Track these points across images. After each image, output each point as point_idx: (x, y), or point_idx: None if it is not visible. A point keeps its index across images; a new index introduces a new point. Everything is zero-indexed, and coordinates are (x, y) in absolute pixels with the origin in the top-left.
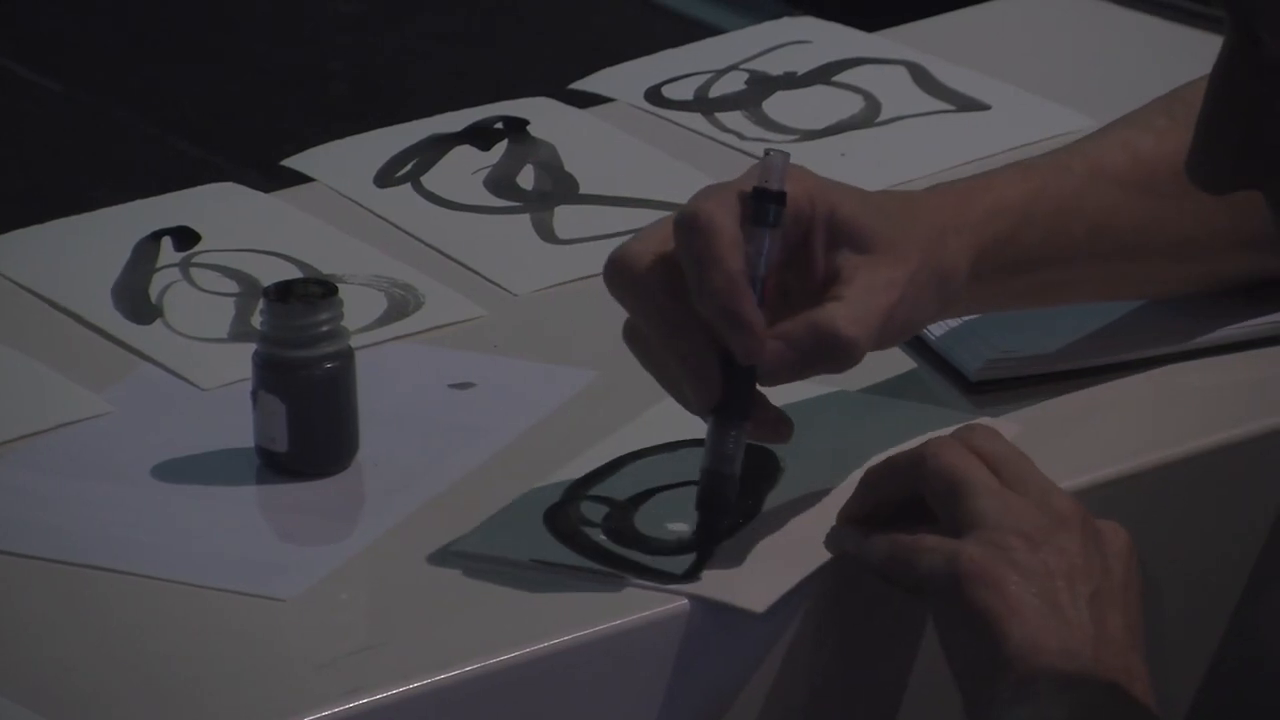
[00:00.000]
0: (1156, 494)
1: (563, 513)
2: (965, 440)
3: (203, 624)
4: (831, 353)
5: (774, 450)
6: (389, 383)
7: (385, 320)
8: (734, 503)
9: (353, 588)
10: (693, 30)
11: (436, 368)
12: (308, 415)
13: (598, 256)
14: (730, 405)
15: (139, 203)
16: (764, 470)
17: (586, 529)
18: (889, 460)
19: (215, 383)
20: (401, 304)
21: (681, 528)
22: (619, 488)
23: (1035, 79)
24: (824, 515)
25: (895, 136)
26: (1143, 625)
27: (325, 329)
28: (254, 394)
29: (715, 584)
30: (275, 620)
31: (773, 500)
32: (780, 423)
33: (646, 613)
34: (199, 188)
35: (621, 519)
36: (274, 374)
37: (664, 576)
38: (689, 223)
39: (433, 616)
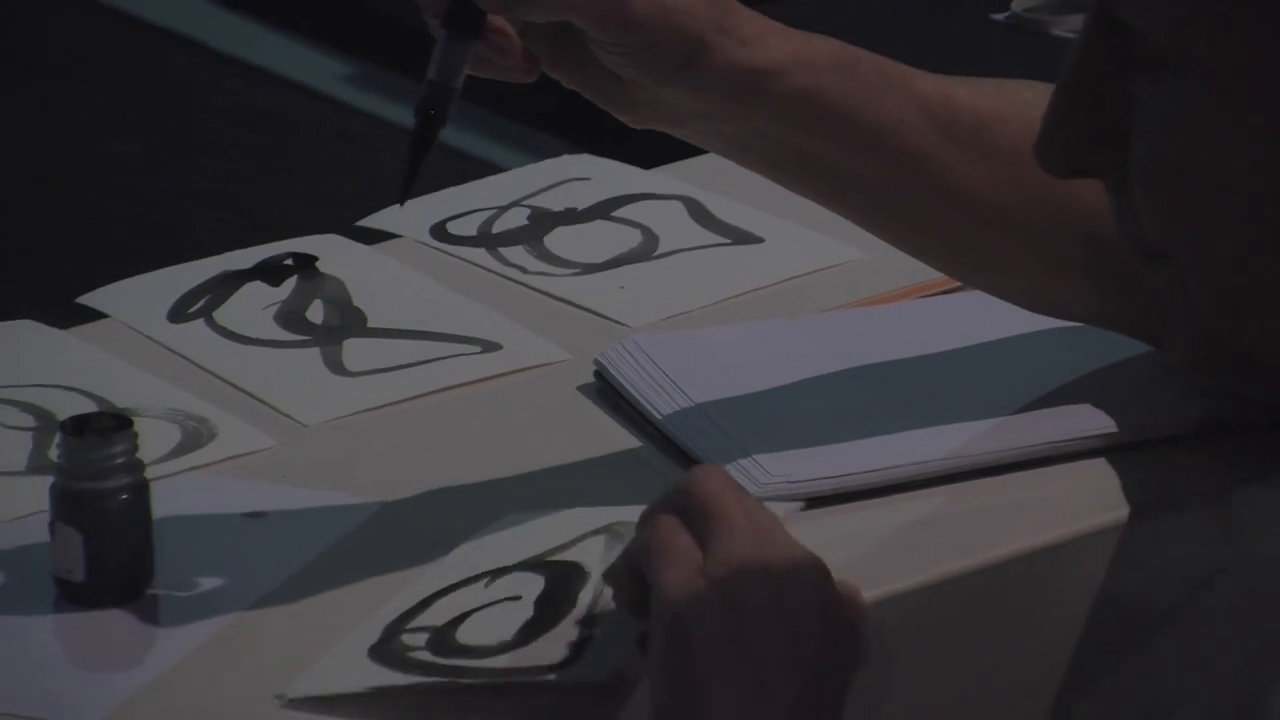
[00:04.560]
0: (937, 610)
1: (387, 647)
2: (724, 477)
3: None
4: None
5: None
6: (184, 512)
7: (180, 451)
8: (448, 116)
9: (147, 716)
10: (475, 168)
11: (230, 497)
12: (104, 545)
13: (386, 388)
14: (457, 17)
15: None
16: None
17: (413, 654)
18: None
19: (13, 514)
20: (195, 436)
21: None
22: (435, 617)
23: (806, 213)
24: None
25: (673, 269)
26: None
27: (120, 461)
28: (51, 525)
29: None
30: None
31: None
32: (523, 59)
33: None
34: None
35: (444, 637)
36: (71, 505)
37: (494, 674)
38: None
39: None
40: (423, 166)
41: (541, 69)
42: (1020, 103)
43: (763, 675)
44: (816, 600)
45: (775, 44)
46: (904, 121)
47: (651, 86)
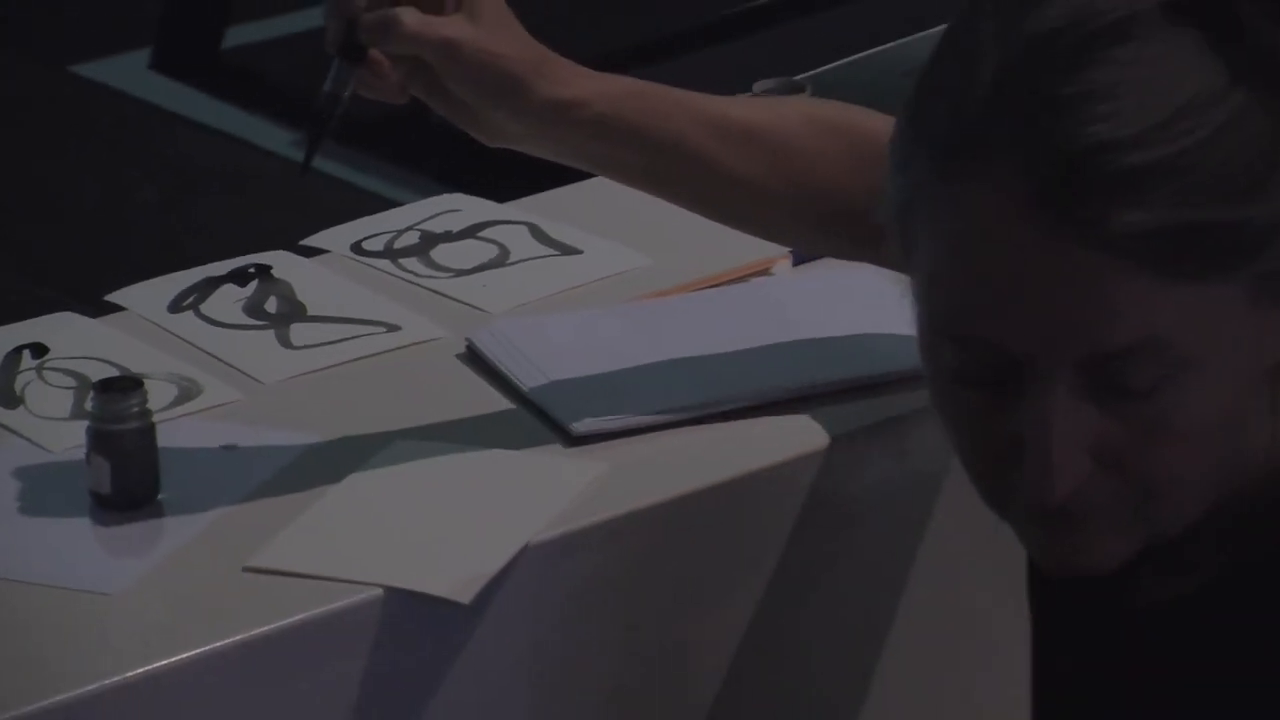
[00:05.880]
0: (700, 517)
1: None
2: None
3: (47, 610)
4: (384, 27)
5: None
6: (180, 445)
7: (176, 403)
8: (337, 117)
9: (164, 583)
10: (381, 204)
11: (211, 434)
12: (124, 469)
13: (320, 357)
14: (346, 48)
15: (6, 327)
16: None
17: None
18: None
19: (61, 447)
20: (187, 392)
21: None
22: None
23: (612, 231)
24: (500, 504)
25: (520, 273)
26: None
27: (135, 410)
28: (87, 455)
29: (417, 576)
30: (103, 607)
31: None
32: (394, 83)
33: (338, 604)
34: (49, 315)
35: None
36: (100, 442)
37: None
38: None
39: (172, 609)
40: (317, 150)
41: (415, 94)
42: (780, 115)
43: None
44: None
45: (581, 83)
46: (686, 132)
47: (486, 111)
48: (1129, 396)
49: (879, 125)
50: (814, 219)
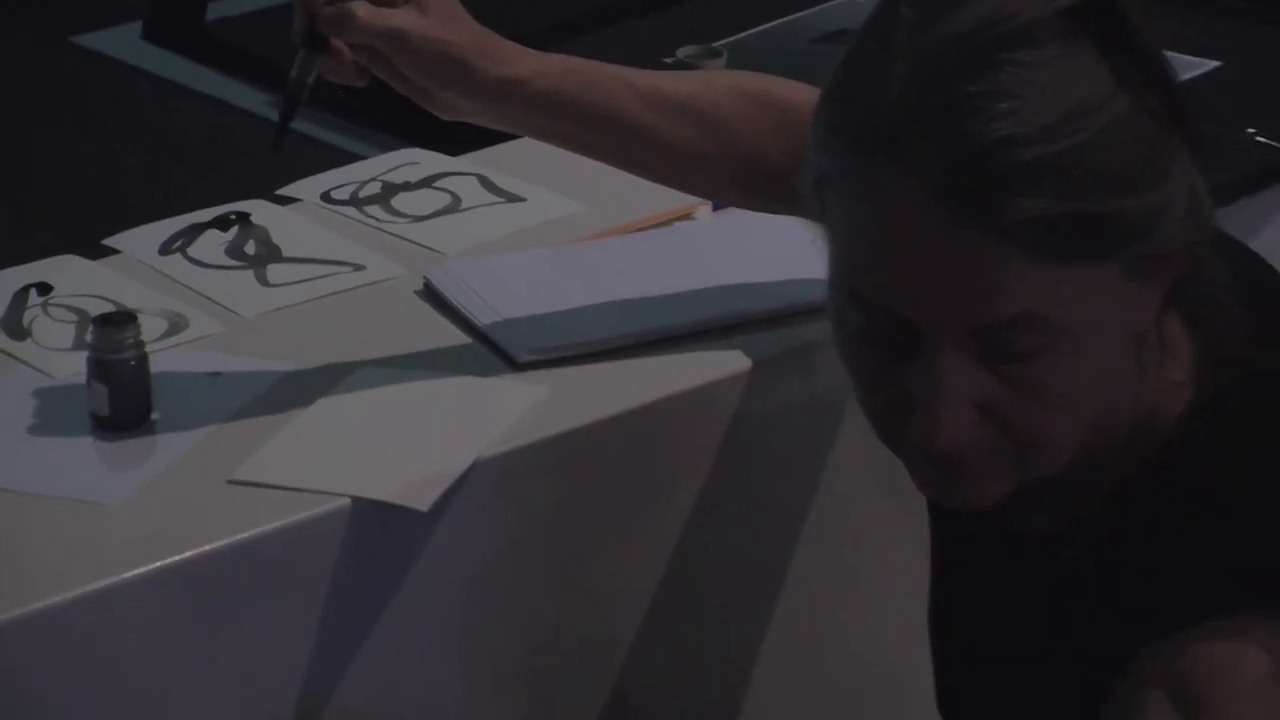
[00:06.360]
0: (634, 434)
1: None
2: None
3: (51, 519)
4: (340, 20)
5: None
6: (170, 372)
7: (167, 335)
8: (304, 100)
9: (157, 494)
10: (347, 157)
11: (197, 363)
12: (120, 393)
13: (293, 293)
14: (309, 38)
15: (15, 268)
16: None
17: None
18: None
19: (64, 375)
20: (176, 325)
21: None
22: None
23: (552, 181)
24: (453, 424)
25: (470, 219)
26: None
27: (130, 342)
28: (88, 381)
29: (381, 487)
30: (102, 516)
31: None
32: (354, 68)
33: (311, 512)
34: (53, 258)
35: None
36: (100, 369)
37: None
38: None
39: (163, 518)
40: (287, 129)
41: (377, 75)
42: (709, 87)
43: None
44: None
45: (524, 62)
46: (622, 105)
47: (438, 91)
48: (1012, 361)
49: (796, 95)
50: (741, 180)
